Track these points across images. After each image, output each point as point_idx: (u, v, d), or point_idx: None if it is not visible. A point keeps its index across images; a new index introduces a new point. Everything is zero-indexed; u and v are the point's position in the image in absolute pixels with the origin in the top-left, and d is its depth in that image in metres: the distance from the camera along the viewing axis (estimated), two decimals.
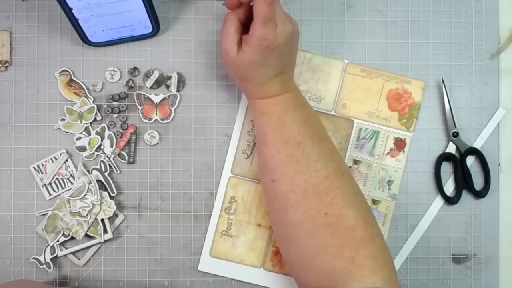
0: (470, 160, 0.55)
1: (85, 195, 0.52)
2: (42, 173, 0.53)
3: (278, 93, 0.47)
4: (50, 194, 0.53)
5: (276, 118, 0.46)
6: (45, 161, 0.53)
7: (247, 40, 0.43)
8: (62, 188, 0.53)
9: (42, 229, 0.52)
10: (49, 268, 0.52)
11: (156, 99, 0.54)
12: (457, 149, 0.55)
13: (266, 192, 0.48)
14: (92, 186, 0.52)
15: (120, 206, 0.54)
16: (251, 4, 0.44)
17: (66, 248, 0.53)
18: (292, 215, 0.44)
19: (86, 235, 0.52)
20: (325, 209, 0.43)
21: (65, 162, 0.53)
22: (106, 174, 0.53)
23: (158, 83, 0.54)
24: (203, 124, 0.55)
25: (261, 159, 0.48)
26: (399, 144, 0.55)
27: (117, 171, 0.54)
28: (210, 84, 0.55)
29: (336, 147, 0.49)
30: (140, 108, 0.54)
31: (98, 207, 0.52)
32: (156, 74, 0.54)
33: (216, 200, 0.54)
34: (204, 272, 0.54)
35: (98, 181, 0.53)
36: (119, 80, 0.54)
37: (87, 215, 0.52)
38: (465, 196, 0.55)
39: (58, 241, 0.52)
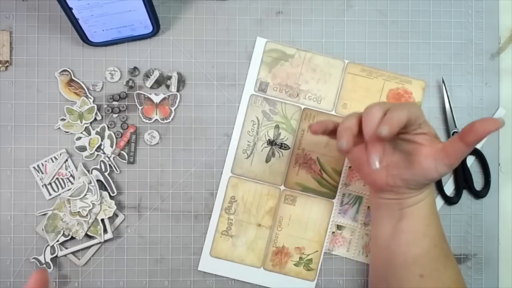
0: (470, 160, 0.55)
1: (85, 195, 0.52)
2: (42, 173, 0.53)
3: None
4: (50, 194, 0.53)
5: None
6: (45, 161, 0.53)
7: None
8: (62, 188, 0.53)
9: (42, 229, 0.52)
10: (49, 268, 0.52)
11: (156, 99, 0.54)
12: None
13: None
14: (92, 186, 0.52)
15: (120, 206, 0.54)
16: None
17: (66, 248, 0.53)
18: None
19: (86, 235, 0.52)
20: None
21: (65, 162, 0.53)
22: (106, 174, 0.53)
23: (158, 83, 0.54)
24: (203, 124, 0.54)
25: (412, 252, 0.45)
26: None
27: (117, 171, 0.54)
28: (210, 84, 0.55)
29: None
30: (140, 108, 0.54)
31: (98, 207, 0.52)
32: (156, 74, 0.54)
33: (216, 200, 0.54)
34: (204, 272, 0.54)
35: (98, 181, 0.53)
36: (119, 80, 0.54)
37: (87, 215, 0.52)
38: (465, 196, 0.55)
39: (58, 241, 0.52)
